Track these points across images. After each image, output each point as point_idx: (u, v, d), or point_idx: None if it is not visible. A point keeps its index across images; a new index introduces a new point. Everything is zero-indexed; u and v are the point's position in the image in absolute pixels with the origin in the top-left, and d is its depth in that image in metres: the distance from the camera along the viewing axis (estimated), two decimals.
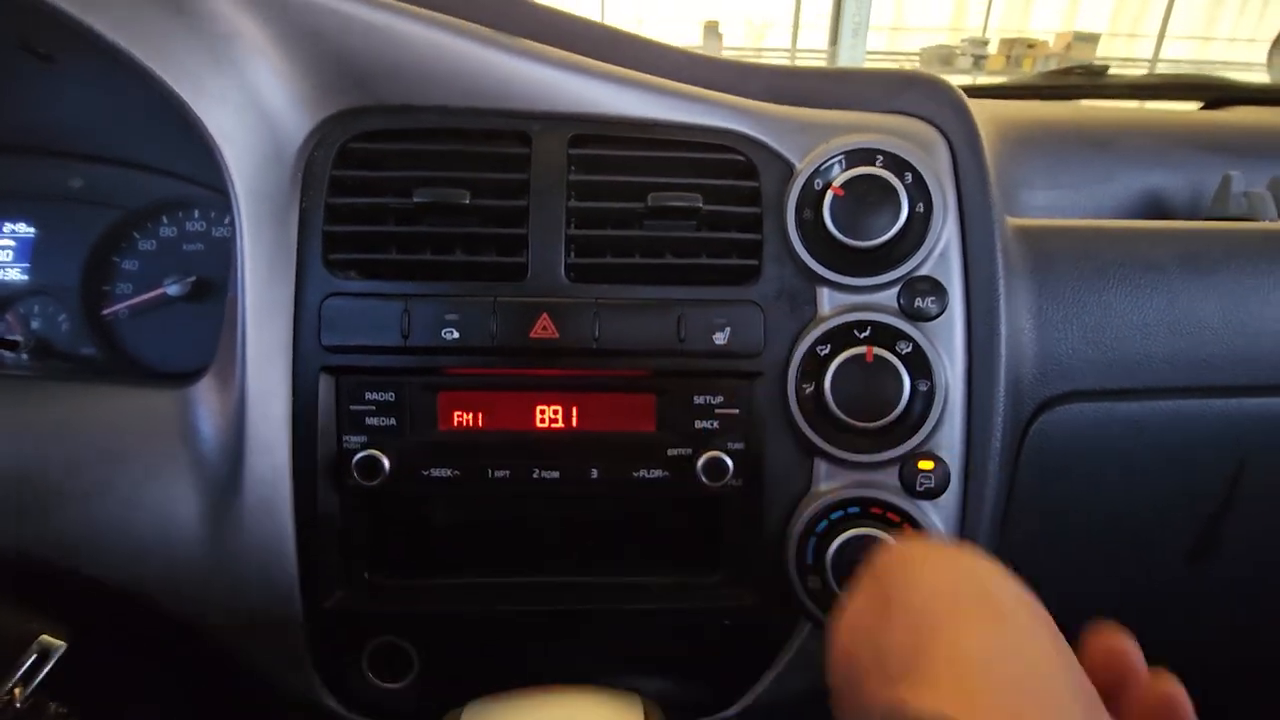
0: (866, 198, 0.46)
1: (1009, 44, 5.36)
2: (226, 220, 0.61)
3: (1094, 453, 0.50)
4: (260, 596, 0.47)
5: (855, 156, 0.47)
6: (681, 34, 5.26)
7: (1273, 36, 1.11)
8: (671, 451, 0.48)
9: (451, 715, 0.45)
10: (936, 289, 0.47)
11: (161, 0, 0.44)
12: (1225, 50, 6.07)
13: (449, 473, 0.47)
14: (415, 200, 0.46)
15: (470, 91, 0.48)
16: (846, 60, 4.78)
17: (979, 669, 0.25)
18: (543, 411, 0.48)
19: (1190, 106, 0.93)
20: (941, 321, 0.47)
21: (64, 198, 0.61)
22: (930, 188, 0.47)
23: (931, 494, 0.48)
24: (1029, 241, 0.50)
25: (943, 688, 0.25)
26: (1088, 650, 0.30)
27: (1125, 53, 5.98)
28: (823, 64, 4.87)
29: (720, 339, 0.47)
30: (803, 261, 0.47)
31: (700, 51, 0.53)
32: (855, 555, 0.46)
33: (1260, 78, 1.15)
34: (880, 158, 0.47)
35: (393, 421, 0.47)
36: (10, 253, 0.61)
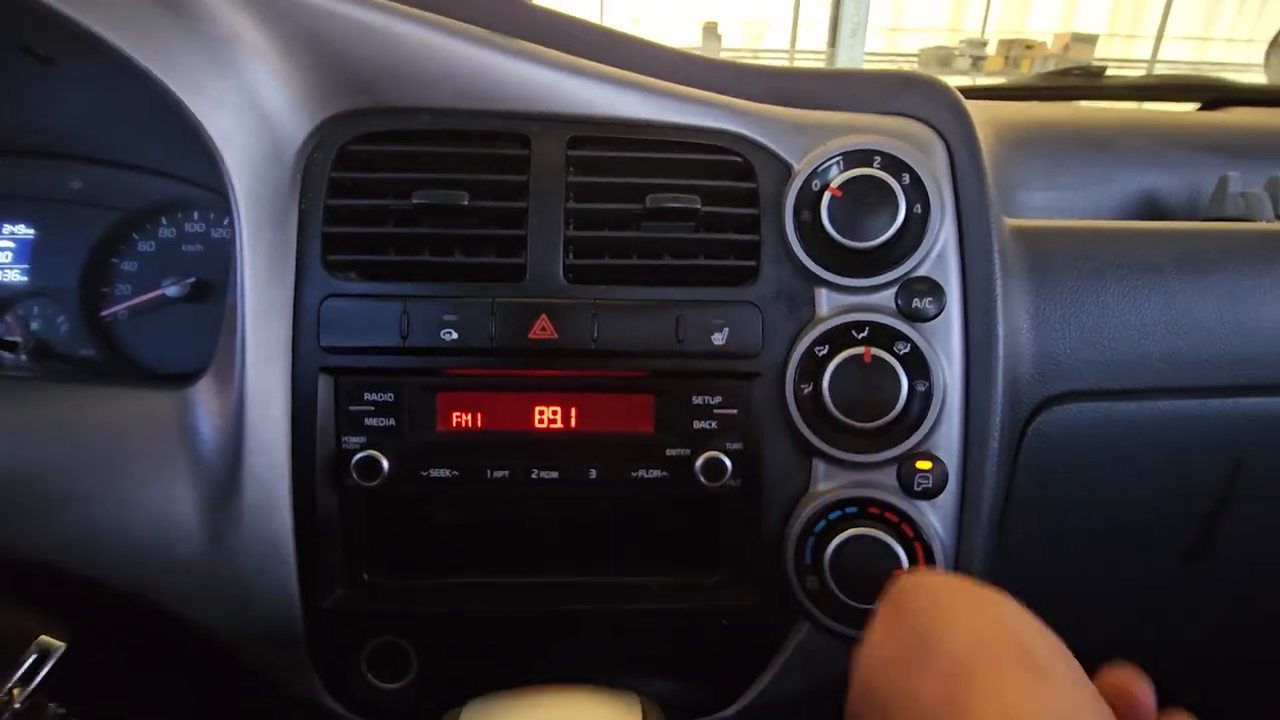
0: (864, 199, 0.46)
1: (1007, 45, 5.37)
2: (225, 222, 0.61)
3: (1092, 453, 0.50)
4: (259, 597, 0.47)
5: (853, 158, 0.47)
6: (679, 35, 5.26)
7: (1270, 37, 1.12)
8: (670, 452, 0.48)
9: (450, 715, 0.45)
10: (934, 289, 0.47)
11: (161, 2, 0.44)
12: (1223, 51, 6.08)
13: (448, 473, 0.47)
14: (414, 202, 0.46)
15: (469, 93, 0.48)
16: (845, 61, 4.78)
17: None
18: (541, 412, 0.48)
19: (1188, 107, 0.93)
20: (939, 322, 0.47)
21: (63, 199, 0.61)
22: (928, 189, 0.47)
23: (929, 494, 0.48)
24: (1027, 242, 0.50)
25: None
26: (1100, 691, 0.30)
27: (1123, 54, 5.99)
28: (821, 65, 4.88)
29: (718, 340, 0.47)
30: (801, 262, 0.47)
31: (698, 52, 0.54)
32: (853, 555, 0.46)
33: (1258, 78, 1.16)
34: (878, 159, 0.47)
35: (392, 422, 0.47)
36: (9, 254, 0.61)
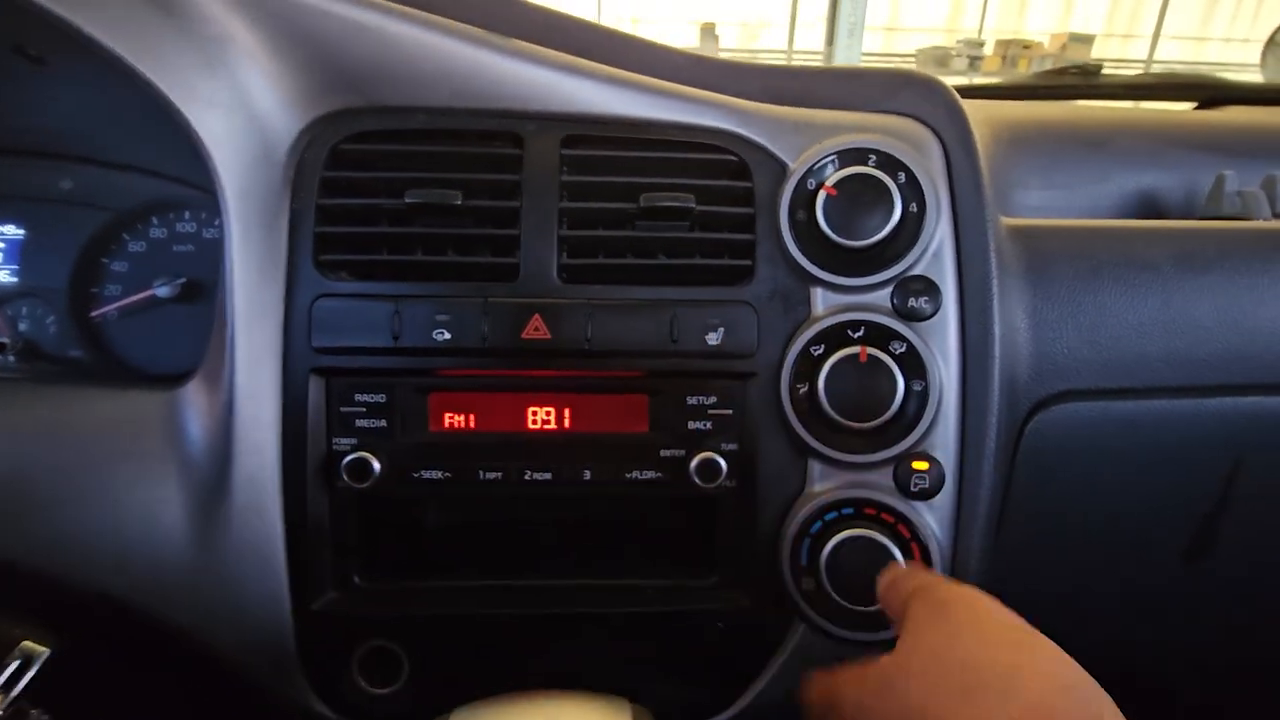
0: (860, 197, 0.46)
1: (1004, 45, 5.38)
2: (216, 222, 0.61)
3: (1089, 452, 0.50)
4: (248, 599, 0.46)
5: (848, 156, 0.47)
6: (677, 34, 5.27)
7: (1266, 37, 1.12)
8: (665, 452, 0.48)
9: None
10: (930, 289, 0.47)
11: (152, 3, 0.43)
12: (1219, 51, 6.10)
13: (440, 474, 0.47)
14: (407, 201, 0.46)
15: (462, 92, 0.48)
16: (842, 61, 4.79)
17: None
18: (535, 413, 0.47)
19: (1184, 106, 0.93)
20: (935, 321, 0.47)
21: (53, 199, 0.60)
22: (923, 187, 0.47)
23: (926, 494, 0.47)
24: (1023, 241, 0.50)
25: None
26: None
27: (1120, 53, 6.01)
28: (818, 64, 4.87)
29: (713, 339, 0.47)
30: (796, 261, 0.47)
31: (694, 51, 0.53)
32: (849, 556, 0.46)
33: (1254, 78, 1.16)
34: (873, 157, 0.47)
35: (383, 423, 0.47)
36: None
